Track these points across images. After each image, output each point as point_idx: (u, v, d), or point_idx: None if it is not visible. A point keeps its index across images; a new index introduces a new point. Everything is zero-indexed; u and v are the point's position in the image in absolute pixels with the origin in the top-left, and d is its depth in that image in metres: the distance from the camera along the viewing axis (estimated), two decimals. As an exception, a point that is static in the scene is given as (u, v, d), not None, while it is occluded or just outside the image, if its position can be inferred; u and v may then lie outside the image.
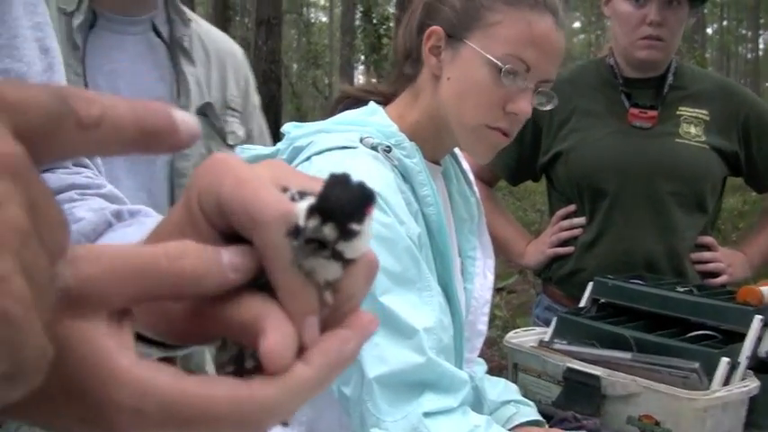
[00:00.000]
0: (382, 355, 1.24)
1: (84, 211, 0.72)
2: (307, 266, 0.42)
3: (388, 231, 1.29)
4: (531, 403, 1.64)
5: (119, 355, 0.38)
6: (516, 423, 1.55)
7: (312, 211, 0.41)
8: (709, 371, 1.61)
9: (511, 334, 1.96)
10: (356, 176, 0.42)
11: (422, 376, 1.27)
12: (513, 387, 1.69)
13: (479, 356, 1.68)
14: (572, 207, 2.38)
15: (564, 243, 2.39)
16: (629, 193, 2.27)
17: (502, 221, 2.51)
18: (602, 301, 2.00)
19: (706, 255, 2.35)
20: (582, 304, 2.02)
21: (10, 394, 0.32)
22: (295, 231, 0.41)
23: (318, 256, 0.41)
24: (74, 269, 0.37)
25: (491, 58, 1.40)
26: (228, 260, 0.42)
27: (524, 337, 1.94)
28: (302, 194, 0.43)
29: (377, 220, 1.29)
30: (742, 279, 2.37)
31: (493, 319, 4.81)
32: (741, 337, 1.69)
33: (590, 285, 2.02)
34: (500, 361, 4.03)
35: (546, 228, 2.52)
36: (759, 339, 1.70)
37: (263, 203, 0.41)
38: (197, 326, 0.44)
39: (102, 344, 0.38)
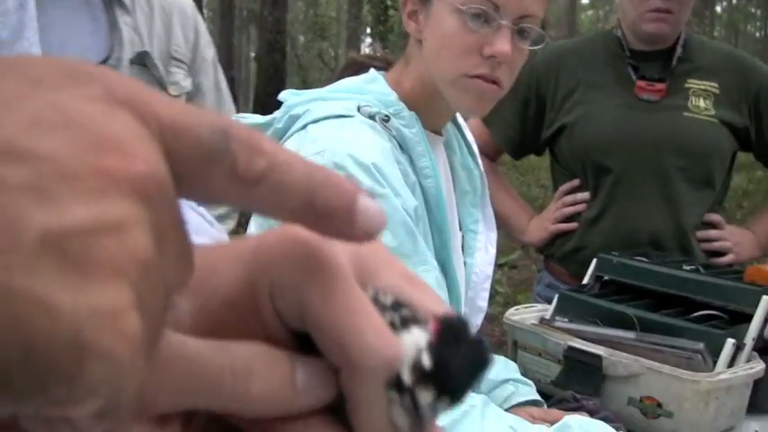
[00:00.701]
0: None
1: None
2: (399, 423, 0.36)
3: (382, 204, 1.24)
4: (529, 383, 1.60)
5: None
6: (514, 403, 1.52)
7: (425, 378, 0.34)
8: (714, 352, 1.57)
9: (511, 311, 1.92)
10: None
11: None
12: (513, 365, 1.65)
13: (479, 332, 1.64)
14: (575, 182, 2.33)
15: (567, 219, 2.35)
16: (635, 168, 2.22)
17: (504, 196, 2.46)
18: (606, 278, 1.96)
19: (712, 233, 2.29)
20: (585, 281, 1.97)
21: (93, 429, 0.28)
22: (397, 383, 0.35)
23: (414, 414, 0.35)
24: None
25: (455, 4, 1.36)
26: (304, 385, 0.35)
27: (525, 314, 1.90)
28: (398, 308, 0.37)
29: (373, 192, 1.25)
30: (748, 259, 2.32)
31: (494, 294, 4.78)
32: (747, 318, 1.65)
33: (594, 262, 1.98)
34: (500, 337, 4.00)
35: (549, 204, 2.47)
36: (766, 320, 1.66)
37: (363, 343, 0.34)
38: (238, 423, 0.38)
39: None
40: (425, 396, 0.34)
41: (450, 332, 0.35)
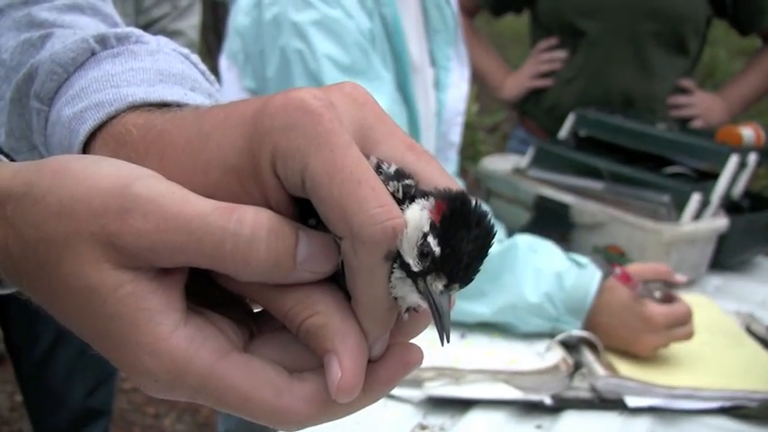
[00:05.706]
0: None
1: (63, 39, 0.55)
2: (399, 294, 0.37)
3: (336, 25, 1.30)
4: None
5: (160, 318, 0.35)
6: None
7: (435, 266, 0.35)
8: (681, 206, 1.60)
9: (486, 160, 1.95)
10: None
11: None
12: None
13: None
14: (553, 40, 2.33)
15: (544, 77, 2.36)
16: (611, 31, 2.22)
17: (481, 53, 2.45)
18: (582, 135, 1.98)
19: (681, 99, 2.32)
20: (561, 136, 1.99)
21: None
22: (397, 257, 0.36)
23: (430, 298, 0.37)
24: (129, 218, 0.34)
25: None
26: (304, 258, 0.36)
27: (500, 164, 1.93)
28: (400, 179, 0.37)
29: (324, 14, 1.30)
30: (717, 124, 2.34)
31: (476, 155, 4.78)
32: (717, 178, 1.68)
33: (570, 117, 1.99)
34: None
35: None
36: (734, 180, 1.69)
37: (365, 212, 0.34)
38: (229, 286, 0.39)
39: (143, 304, 0.35)
40: (437, 284, 0.36)
41: (455, 211, 0.35)
